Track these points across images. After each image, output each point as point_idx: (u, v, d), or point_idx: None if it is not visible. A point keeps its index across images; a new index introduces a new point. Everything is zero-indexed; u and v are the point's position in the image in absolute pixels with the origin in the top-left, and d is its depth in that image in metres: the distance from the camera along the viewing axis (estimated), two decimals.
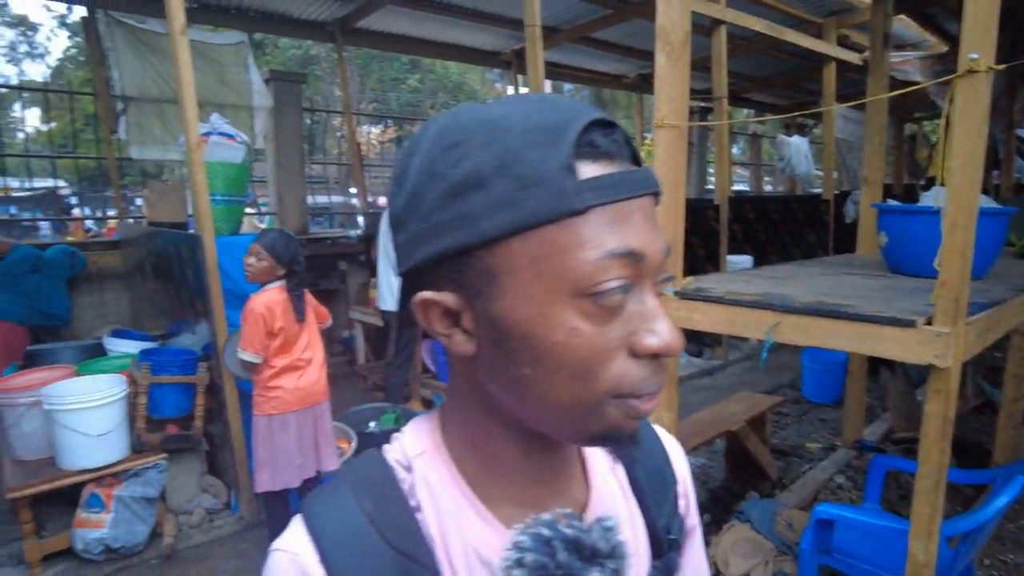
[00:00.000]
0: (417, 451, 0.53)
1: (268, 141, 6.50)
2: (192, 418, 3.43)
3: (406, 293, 0.50)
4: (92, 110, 5.81)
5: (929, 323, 1.80)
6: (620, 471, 0.61)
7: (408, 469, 0.52)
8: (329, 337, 6.27)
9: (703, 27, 5.75)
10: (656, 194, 0.47)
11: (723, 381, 5.78)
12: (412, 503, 0.51)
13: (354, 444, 3.42)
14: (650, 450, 0.65)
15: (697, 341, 6.40)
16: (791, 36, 6.05)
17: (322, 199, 11.60)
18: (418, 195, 0.45)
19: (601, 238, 0.42)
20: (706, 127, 7.88)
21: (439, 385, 4.79)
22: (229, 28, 6.11)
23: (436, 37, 7.04)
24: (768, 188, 13.41)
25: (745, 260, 5.71)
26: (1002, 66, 1.72)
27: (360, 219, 7.92)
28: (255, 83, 6.01)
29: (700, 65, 7.52)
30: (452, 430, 0.53)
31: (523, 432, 0.50)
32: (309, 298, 2.97)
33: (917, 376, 4.49)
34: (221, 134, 3.85)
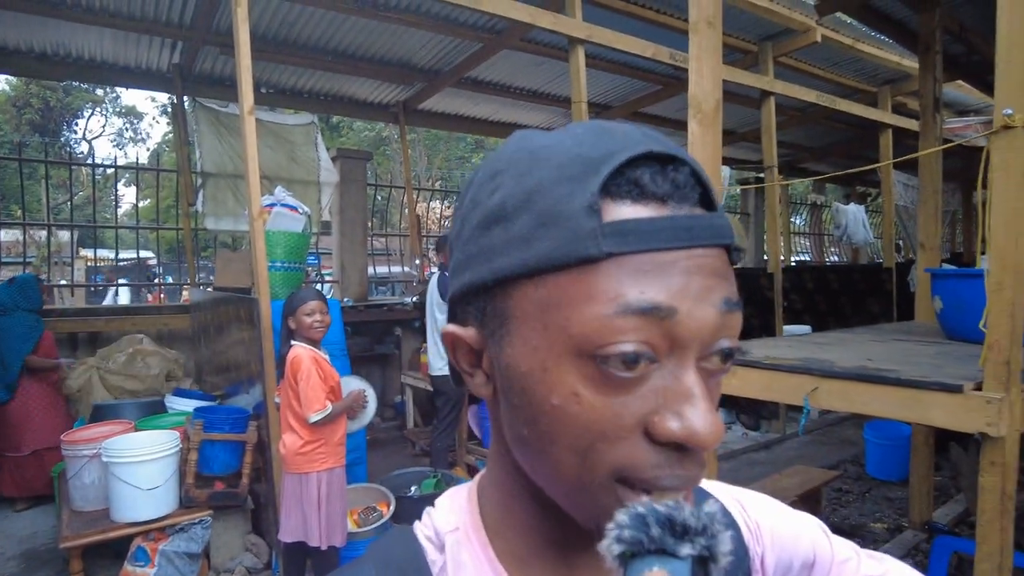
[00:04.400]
0: (450, 527, 0.47)
1: (334, 214, 6.86)
2: (240, 476, 3.52)
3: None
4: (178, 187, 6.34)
5: (979, 388, 1.71)
6: None
7: (440, 548, 0.46)
8: (382, 401, 6.37)
9: (753, 99, 5.82)
10: (728, 248, 0.40)
11: (780, 455, 5.49)
12: None
13: (392, 507, 3.42)
14: None
15: (754, 413, 6.14)
16: (844, 105, 6.05)
17: (388, 269, 12.04)
18: (463, 223, 0.43)
19: (618, 290, 0.35)
20: (762, 197, 7.83)
21: (484, 451, 4.75)
22: (302, 110, 6.61)
23: (493, 116, 7.38)
24: (834, 259, 13.05)
25: (804, 329, 5.53)
26: None
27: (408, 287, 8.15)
28: (323, 160, 6.41)
29: (753, 136, 7.56)
30: (488, 499, 0.48)
31: (549, 505, 0.43)
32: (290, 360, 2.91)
33: None
34: (284, 205, 4.12)
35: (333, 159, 6.62)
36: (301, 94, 6.41)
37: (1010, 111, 1.58)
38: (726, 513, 0.54)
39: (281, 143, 6.14)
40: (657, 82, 6.23)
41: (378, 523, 3.29)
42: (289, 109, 6.83)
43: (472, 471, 4.67)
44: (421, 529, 0.48)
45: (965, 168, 7.79)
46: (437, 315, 4.43)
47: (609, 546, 0.35)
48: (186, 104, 5.89)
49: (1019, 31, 1.58)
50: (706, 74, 2.42)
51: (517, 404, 0.39)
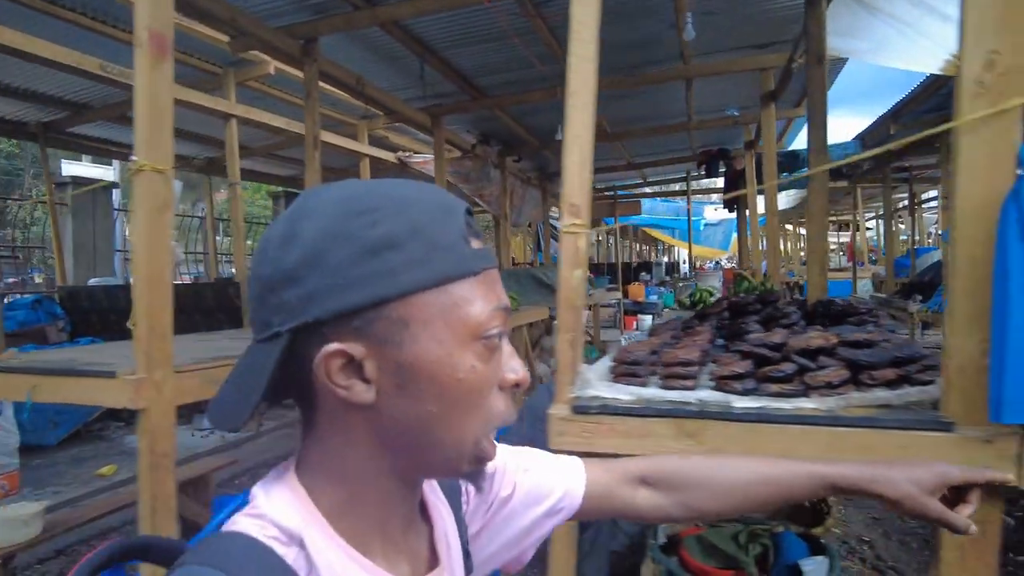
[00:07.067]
0: (295, 522, 0.53)
1: None
2: None
3: (293, 351, 0.52)
4: None
5: (133, 374, 2.04)
6: (437, 487, 0.72)
7: (288, 544, 0.53)
8: None
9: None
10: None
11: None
12: None
13: None
14: None
15: None
16: (330, 137, 6.66)
17: None
18: (322, 253, 0.50)
19: (488, 295, 0.55)
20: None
21: None
22: None
23: None
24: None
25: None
26: (169, 168, 1.99)
27: None
28: None
29: (266, 152, 7.85)
30: (325, 491, 0.56)
31: (402, 478, 0.58)
32: None
33: None
34: None
35: None
36: None
37: (135, 158, 1.93)
38: None
39: None
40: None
41: None
42: None
43: None
44: (258, 530, 0.52)
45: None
46: None
47: None
48: None
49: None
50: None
51: (423, 388, 0.53)
